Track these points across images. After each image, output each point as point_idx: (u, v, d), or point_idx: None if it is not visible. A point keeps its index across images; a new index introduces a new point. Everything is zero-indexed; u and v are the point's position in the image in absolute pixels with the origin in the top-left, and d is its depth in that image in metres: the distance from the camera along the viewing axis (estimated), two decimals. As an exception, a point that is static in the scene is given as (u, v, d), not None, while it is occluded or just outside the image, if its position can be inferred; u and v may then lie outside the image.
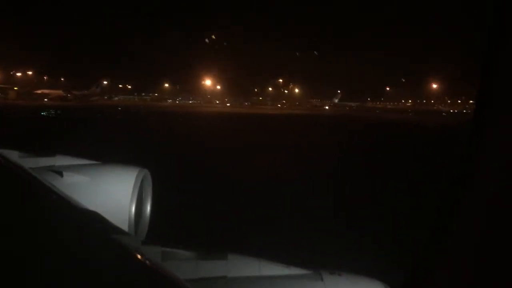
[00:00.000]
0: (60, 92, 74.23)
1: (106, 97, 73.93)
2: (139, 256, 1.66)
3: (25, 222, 1.70)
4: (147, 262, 1.64)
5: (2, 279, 1.30)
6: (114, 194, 2.80)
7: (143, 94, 77.91)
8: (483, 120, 1.31)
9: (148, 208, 3.06)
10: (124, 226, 2.66)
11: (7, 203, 1.87)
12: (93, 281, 1.40)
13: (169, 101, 76.09)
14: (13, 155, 2.98)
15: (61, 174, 2.80)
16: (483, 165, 1.29)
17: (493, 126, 1.28)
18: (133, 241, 1.92)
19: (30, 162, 2.95)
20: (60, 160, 3.14)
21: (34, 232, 1.63)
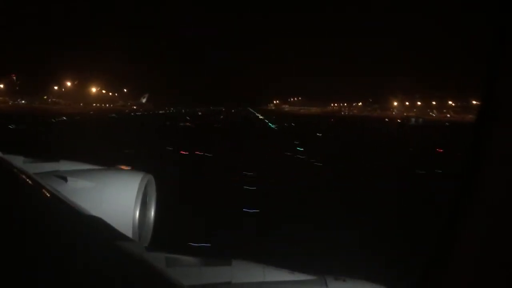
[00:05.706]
0: None
1: None
2: (142, 263, 1.66)
3: (29, 227, 1.70)
4: (151, 268, 1.63)
5: (6, 283, 1.30)
6: (118, 199, 2.79)
7: None
8: (486, 124, 1.30)
9: (152, 214, 3.05)
10: (128, 232, 2.65)
11: (12, 208, 1.87)
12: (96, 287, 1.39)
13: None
14: (18, 161, 2.99)
15: (65, 179, 2.80)
16: (487, 169, 1.28)
17: (498, 130, 1.27)
18: (136, 247, 1.91)
19: (34, 168, 2.95)
20: (64, 165, 3.14)
21: (38, 237, 1.63)
